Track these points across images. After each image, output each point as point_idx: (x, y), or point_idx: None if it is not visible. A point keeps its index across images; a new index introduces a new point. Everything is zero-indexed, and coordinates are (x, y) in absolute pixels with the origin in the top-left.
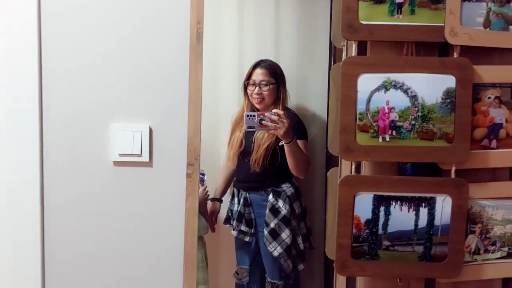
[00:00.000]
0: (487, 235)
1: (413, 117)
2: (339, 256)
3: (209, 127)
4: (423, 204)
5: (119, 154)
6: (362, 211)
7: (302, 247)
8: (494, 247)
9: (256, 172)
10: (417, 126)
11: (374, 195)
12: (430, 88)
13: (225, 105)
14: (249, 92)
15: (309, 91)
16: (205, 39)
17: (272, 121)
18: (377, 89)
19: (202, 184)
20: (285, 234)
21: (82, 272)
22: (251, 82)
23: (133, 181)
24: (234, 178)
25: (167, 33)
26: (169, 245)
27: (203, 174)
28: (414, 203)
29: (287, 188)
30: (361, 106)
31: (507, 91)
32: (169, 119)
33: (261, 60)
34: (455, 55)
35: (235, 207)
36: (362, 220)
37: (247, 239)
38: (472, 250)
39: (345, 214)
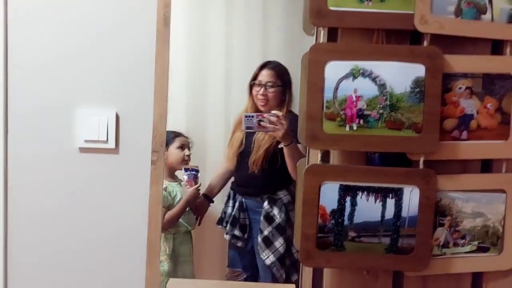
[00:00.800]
0: (457, 228)
1: (381, 106)
2: (303, 246)
3: (218, 130)
4: (390, 195)
5: (84, 140)
6: (327, 201)
7: (296, 257)
8: (463, 240)
9: (255, 174)
10: (385, 115)
11: (340, 184)
12: (399, 76)
13: (237, 108)
14: (254, 93)
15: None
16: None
17: (271, 122)
18: (345, 76)
19: (196, 182)
20: (279, 243)
21: (44, 259)
22: (257, 82)
23: (98, 168)
24: (232, 180)
25: (134, 18)
26: (134, 234)
27: (197, 171)
28: (381, 193)
29: (283, 195)
30: (328, 94)
31: (478, 81)
32: (136, 105)
33: (269, 61)
34: (425, 43)
35: (229, 210)
36: (328, 210)
37: (239, 244)
38: (441, 243)
39: (310, 204)
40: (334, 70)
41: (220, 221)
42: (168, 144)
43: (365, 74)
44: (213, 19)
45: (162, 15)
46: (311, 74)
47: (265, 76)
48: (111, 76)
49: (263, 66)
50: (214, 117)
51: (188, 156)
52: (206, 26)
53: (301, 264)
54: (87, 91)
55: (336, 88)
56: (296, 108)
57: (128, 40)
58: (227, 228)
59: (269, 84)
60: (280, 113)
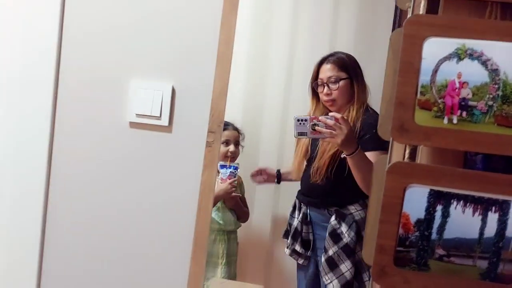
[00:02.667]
0: None
1: (491, 96)
2: (378, 260)
3: (274, 128)
4: (494, 208)
5: (136, 114)
6: (412, 208)
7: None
8: None
9: (318, 184)
10: (495, 109)
11: (431, 190)
12: None
13: (298, 106)
14: (320, 95)
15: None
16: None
17: (328, 126)
18: (448, 57)
19: (233, 177)
20: (345, 267)
21: (84, 236)
22: (319, 82)
23: (148, 146)
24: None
25: None
26: (181, 221)
27: (235, 168)
28: (482, 205)
29: (355, 211)
30: (424, 77)
31: None
32: (195, 79)
33: (329, 55)
34: None
35: (294, 222)
36: (412, 220)
37: (301, 261)
38: None
39: (391, 210)
40: (435, 48)
41: (286, 234)
42: None
43: (473, 55)
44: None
45: None
46: (405, 52)
47: (326, 71)
48: (170, 47)
49: (321, 62)
50: (271, 114)
51: (232, 152)
52: (271, 12)
53: (370, 282)
54: (143, 61)
55: (436, 71)
56: (373, 103)
57: (192, 7)
58: (288, 241)
59: (331, 80)
60: (339, 115)
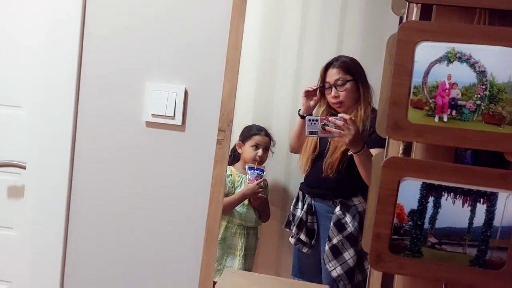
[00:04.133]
0: None
1: (478, 96)
2: (374, 247)
3: (283, 128)
4: (482, 199)
5: (152, 114)
6: (406, 200)
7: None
8: None
9: (329, 177)
10: (483, 107)
11: (423, 182)
12: (503, 64)
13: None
14: (328, 97)
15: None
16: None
17: (337, 126)
18: (438, 60)
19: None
20: (349, 255)
21: (104, 229)
22: (326, 85)
23: (164, 144)
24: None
25: None
26: (194, 213)
27: (261, 171)
28: (471, 197)
29: (358, 203)
30: (417, 79)
31: None
32: (206, 81)
33: (333, 59)
34: None
35: (298, 212)
36: (406, 210)
37: (305, 250)
38: None
39: (386, 201)
40: (426, 52)
41: (288, 224)
42: (245, 140)
43: (462, 58)
44: (288, 7)
45: None
46: (398, 56)
47: (332, 75)
48: (183, 51)
49: (327, 66)
50: (280, 114)
51: (260, 156)
52: (281, 18)
53: (369, 268)
54: (158, 64)
55: (427, 73)
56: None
57: (202, 15)
58: (293, 231)
59: (338, 82)
60: (347, 116)
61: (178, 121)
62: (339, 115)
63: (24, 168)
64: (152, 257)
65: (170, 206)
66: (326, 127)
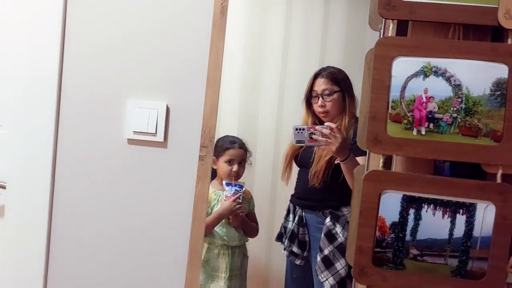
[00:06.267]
0: None
1: (455, 109)
2: (358, 260)
3: (269, 141)
4: (461, 210)
5: (133, 131)
6: (388, 212)
7: None
8: None
9: (315, 187)
10: (459, 120)
11: (404, 195)
12: (478, 77)
13: (291, 117)
14: (314, 106)
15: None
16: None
17: (324, 135)
18: (415, 74)
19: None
20: (340, 265)
21: (86, 250)
22: (313, 94)
23: (145, 161)
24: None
25: (189, 7)
26: (176, 232)
27: (240, 187)
28: (450, 208)
29: (348, 213)
30: (395, 93)
31: None
32: (187, 98)
33: (322, 69)
34: (510, 41)
35: (289, 225)
36: (388, 223)
37: (297, 262)
38: None
39: (368, 214)
40: (403, 66)
41: (279, 237)
42: (218, 156)
43: (438, 72)
44: (272, 20)
45: (219, 4)
46: (376, 71)
47: (320, 84)
48: (164, 68)
49: (316, 76)
50: (266, 126)
51: (236, 172)
52: (264, 27)
53: (353, 281)
54: (139, 81)
55: (404, 87)
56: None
57: (183, 32)
58: (285, 243)
59: (325, 92)
60: (333, 125)
61: (160, 137)
62: (326, 124)
63: (4, 187)
64: (135, 277)
65: (153, 223)
66: (313, 136)
